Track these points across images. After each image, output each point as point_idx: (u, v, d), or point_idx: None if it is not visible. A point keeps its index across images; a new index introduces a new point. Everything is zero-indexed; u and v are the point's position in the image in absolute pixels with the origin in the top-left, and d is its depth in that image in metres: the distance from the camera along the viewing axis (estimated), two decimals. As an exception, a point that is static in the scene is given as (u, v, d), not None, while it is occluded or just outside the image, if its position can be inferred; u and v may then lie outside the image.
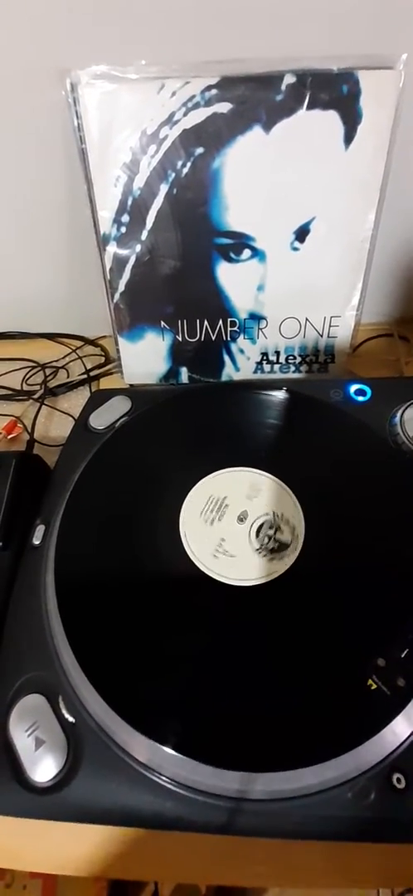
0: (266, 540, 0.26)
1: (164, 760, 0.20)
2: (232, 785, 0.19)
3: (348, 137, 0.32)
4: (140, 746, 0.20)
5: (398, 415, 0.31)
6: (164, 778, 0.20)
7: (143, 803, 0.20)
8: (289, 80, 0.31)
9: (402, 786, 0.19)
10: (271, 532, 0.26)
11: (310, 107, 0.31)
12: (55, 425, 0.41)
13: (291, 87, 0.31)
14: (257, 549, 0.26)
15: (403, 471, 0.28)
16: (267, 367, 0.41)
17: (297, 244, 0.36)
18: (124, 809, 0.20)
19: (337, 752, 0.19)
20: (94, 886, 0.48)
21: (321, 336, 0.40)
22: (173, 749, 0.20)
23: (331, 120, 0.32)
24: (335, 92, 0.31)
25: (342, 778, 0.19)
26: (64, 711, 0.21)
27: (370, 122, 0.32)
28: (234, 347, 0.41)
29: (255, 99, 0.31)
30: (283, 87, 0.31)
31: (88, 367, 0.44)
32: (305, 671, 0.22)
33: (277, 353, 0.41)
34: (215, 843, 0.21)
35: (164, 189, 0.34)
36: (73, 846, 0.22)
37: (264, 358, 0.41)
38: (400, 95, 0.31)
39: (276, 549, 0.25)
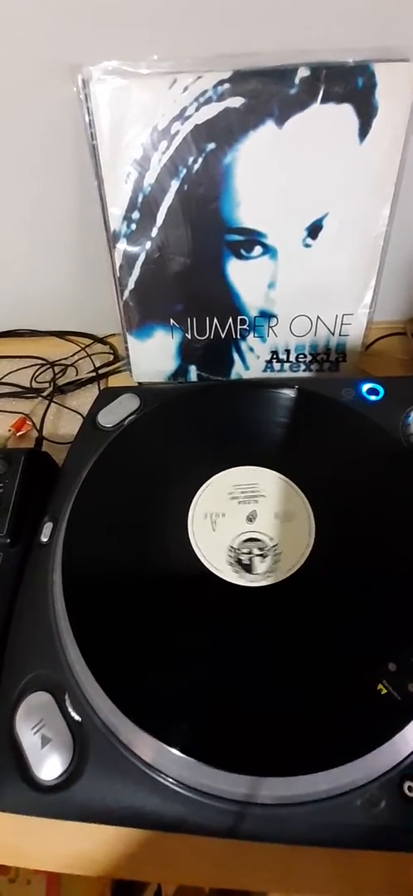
0: (245, 551, 0.25)
1: (169, 761, 0.20)
2: (238, 788, 0.19)
3: (363, 131, 0.32)
4: (146, 746, 0.20)
5: (412, 415, 0.30)
6: (169, 779, 0.20)
7: (149, 804, 0.20)
8: (302, 73, 0.30)
9: (413, 795, 0.18)
10: (256, 552, 0.25)
11: (324, 100, 0.31)
12: (64, 423, 0.41)
13: (305, 80, 0.30)
14: (229, 549, 0.25)
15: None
16: (277, 366, 0.41)
17: (309, 241, 0.35)
18: (129, 810, 0.20)
19: (345, 759, 0.18)
20: (97, 884, 0.48)
21: (333, 334, 0.39)
22: (179, 750, 0.20)
23: (345, 114, 0.31)
24: (350, 85, 0.30)
25: (351, 785, 0.19)
26: (70, 710, 0.21)
27: (386, 115, 0.31)
28: (243, 346, 0.40)
29: (268, 93, 0.31)
30: (297, 81, 0.31)
31: (97, 364, 0.44)
32: (314, 675, 0.21)
33: (288, 351, 0.40)
34: (220, 847, 0.21)
35: (174, 185, 0.34)
36: (77, 845, 0.22)
37: (274, 356, 0.41)
38: (416, 88, 0.30)
39: (243, 565, 0.25)
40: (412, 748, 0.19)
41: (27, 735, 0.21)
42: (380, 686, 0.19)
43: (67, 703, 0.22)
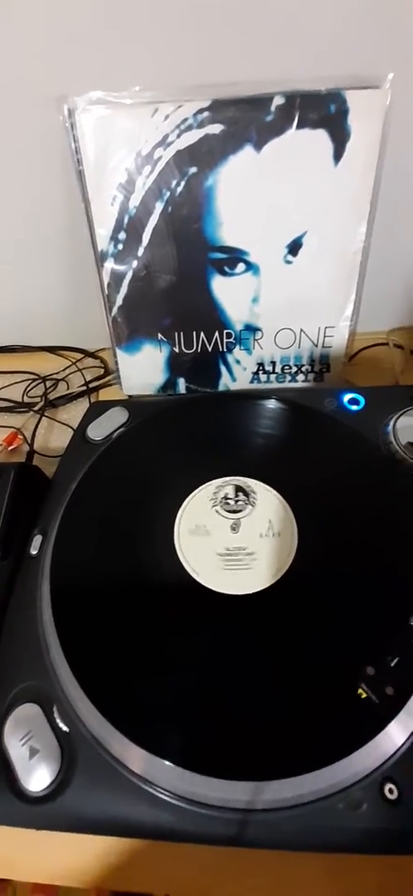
0: (232, 503, 0.26)
1: (156, 770, 0.20)
2: (224, 795, 0.19)
3: (337, 154, 0.33)
4: (133, 756, 0.21)
5: (391, 423, 0.31)
6: (156, 788, 0.20)
7: (136, 813, 0.20)
8: (278, 101, 0.32)
9: (394, 796, 0.19)
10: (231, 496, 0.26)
11: (299, 126, 0.32)
12: (55, 436, 0.41)
13: (281, 107, 0.32)
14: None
15: (395, 479, 0.28)
16: (263, 377, 0.42)
17: (290, 258, 0.37)
18: (117, 819, 0.20)
19: (326, 762, 0.19)
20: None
21: (316, 346, 0.40)
22: (165, 759, 0.20)
23: (320, 138, 0.33)
24: (323, 111, 0.32)
25: (333, 788, 0.19)
26: (58, 721, 0.22)
27: (358, 139, 0.33)
28: (230, 358, 0.41)
29: (246, 120, 0.32)
30: (273, 108, 0.32)
31: (88, 378, 0.45)
32: (295, 681, 0.22)
33: (273, 363, 0.41)
34: (210, 855, 0.21)
35: (159, 207, 0.35)
36: (68, 856, 0.22)
37: (260, 368, 0.42)
38: (387, 113, 0.32)
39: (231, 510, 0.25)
40: (393, 751, 0.20)
41: (15, 747, 0.21)
42: (360, 690, 0.19)
43: (55, 714, 0.22)
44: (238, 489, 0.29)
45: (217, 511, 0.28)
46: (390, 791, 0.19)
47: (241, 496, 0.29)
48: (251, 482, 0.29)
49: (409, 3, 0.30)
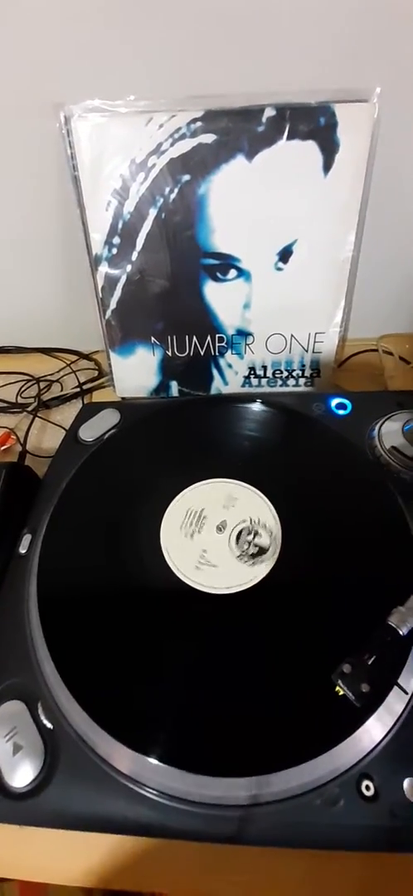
0: (246, 546, 0.26)
1: (138, 766, 0.20)
2: (203, 791, 0.20)
3: (327, 165, 0.34)
4: (116, 753, 0.21)
5: (376, 428, 0.31)
6: (138, 784, 0.20)
7: (118, 809, 0.20)
8: (269, 112, 0.33)
9: (370, 793, 0.19)
10: (250, 538, 0.26)
11: (290, 137, 0.33)
12: (48, 437, 0.42)
13: (272, 119, 0.33)
14: (238, 556, 0.26)
15: (378, 482, 0.29)
16: (255, 382, 0.43)
17: (280, 264, 0.37)
18: (100, 815, 0.20)
19: (302, 759, 0.19)
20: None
21: (306, 351, 0.41)
22: (147, 755, 0.20)
23: (310, 149, 0.33)
24: (313, 123, 0.33)
25: (310, 785, 0.19)
26: (43, 718, 0.22)
27: (347, 150, 0.33)
28: (222, 362, 0.42)
29: (238, 130, 0.33)
30: (264, 120, 0.33)
31: (82, 380, 0.45)
32: (273, 679, 0.22)
33: (264, 367, 0.42)
34: (192, 852, 0.21)
35: (152, 213, 0.36)
36: (49, 852, 0.22)
37: (252, 372, 0.42)
38: (375, 126, 0.33)
39: (256, 553, 0.26)
40: (370, 748, 0.20)
41: (-1, 743, 0.21)
42: (337, 688, 0.20)
43: (40, 711, 0.22)
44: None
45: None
46: (367, 788, 0.19)
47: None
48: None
49: (395, 21, 0.31)
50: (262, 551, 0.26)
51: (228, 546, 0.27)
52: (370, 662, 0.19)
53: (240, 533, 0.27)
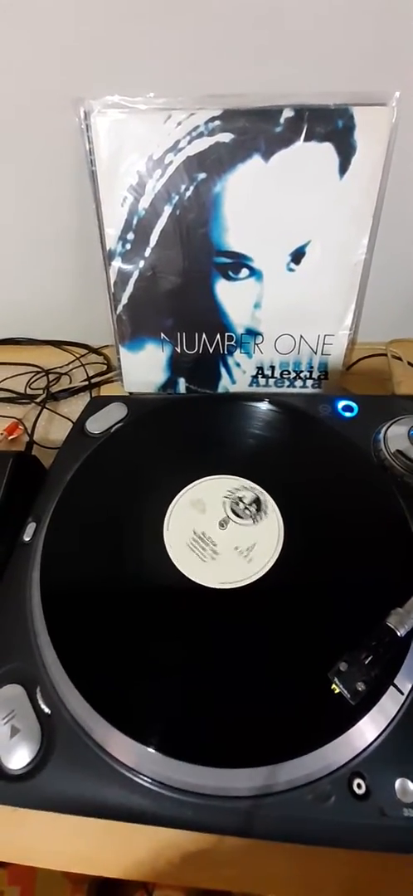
0: (244, 511, 0.26)
1: (132, 753, 0.21)
2: (198, 780, 0.20)
3: (343, 168, 0.34)
4: (111, 740, 0.21)
5: (382, 431, 0.31)
6: (131, 770, 0.21)
7: (111, 795, 0.21)
8: (287, 113, 0.33)
9: (361, 791, 0.19)
10: (242, 506, 0.27)
11: (307, 139, 0.33)
12: (55, 429, 0.42)
13: (290, 120, 0.33)
14: (242, 522, 0.26)
15: (381, 485, 0.29)
16: (262, 381, 0.43)
17: (292, 265, 0.37)
18: (93, 800, 0.21)
19: (296, 754, 0.19)
20: (72, 893, 0.48)
21: (315, 353, 0.41)
22: (142, 743, 0.21)
23: (326, 151, 0.33)
24: (331, 125, 0.33)
25: (303, 780, 0.19)
26: (41, 702, 0.22)
27: (364, 154, 0.33)
28: (230, 361, 0.42)
29: (256, 130, 0.33)
30: (282, 120, 0.33)
31: (91, 374, 0.46)
32: (270, 673, 0.22)
33: (272, 367, 0.42)
34: (183, 843, 0.22)
35: (167, 210, 0.36)
36: (43, 837, 0.23)
37: (260, 372, 0.42)
38: (392, 130, 0.33)
39: (256, 510, 0.26)
40: (364, 745, 0.20)
41: (-3, 725, 0.22)
42: (333, 685, 0.20)
43: (38, 695, 0.22)
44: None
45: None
46: (358, 786, 0.19)
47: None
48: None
49: (416, 27, 0.31)
50: (258, 504, 0.26)
51: (230, 532, 0.27)
52: (367, 662, 0.20)
53: (234, 510, 0.27)
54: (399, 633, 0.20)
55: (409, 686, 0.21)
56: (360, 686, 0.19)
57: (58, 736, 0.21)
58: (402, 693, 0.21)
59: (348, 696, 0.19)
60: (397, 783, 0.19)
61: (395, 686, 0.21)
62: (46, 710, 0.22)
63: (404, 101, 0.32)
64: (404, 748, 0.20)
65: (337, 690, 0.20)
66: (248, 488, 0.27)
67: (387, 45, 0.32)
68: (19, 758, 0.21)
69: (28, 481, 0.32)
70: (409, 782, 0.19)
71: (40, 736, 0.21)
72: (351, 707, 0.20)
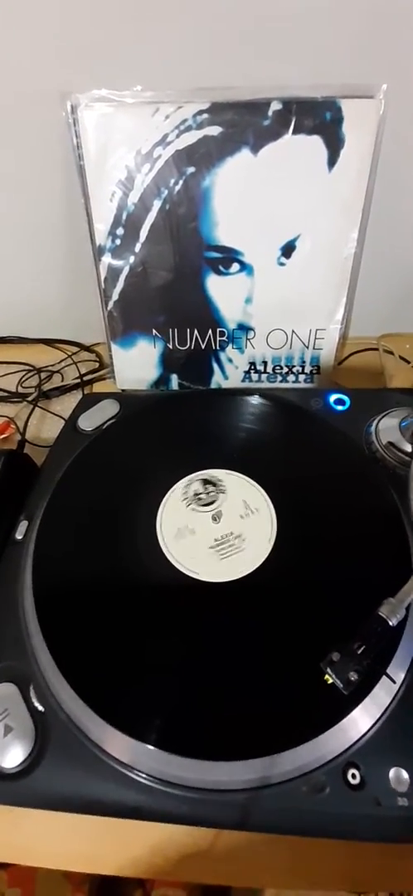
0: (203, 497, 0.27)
1: (127, 749, 0.21)
2: (193, 774, 0.20)
3: (331, 161, 0.34)
4: (105, 735, 0.21)
5: (373, 424, 0.32)
6: (126, 766, 0.20)
7: (106, 791, 0.20)
8: (275, 106, 0.33)
9: (356, 781, 0.19)
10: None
11: (295, 132, 0.33)
12: (47, 427, 0.42)
13: (278, 113, 0.33)
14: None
15: (373, 476, 0.29)
16: (255, 377, 0.43)
17: (283, 259, 0.37)
18: (88, 797, 0.21)
19: (290, 744, 0.19)
20: (72, 894, 0.48)
21: (307, 348, 0.41)
22: (136, 738, 0.20)
23: (315, 144, 0.33)
24: (319, 118, 0.33)
25: (298, 771, 0.19)
26: (34, 700, 0.22)
27: (352, 147, 0.33)
28: (222, 356, 0.42)
29: (244, 123, 0.33)
30: (270, 113, 0.33)
31: (83, 372, 0.46)
32: (264, 666, 0.22)
33: (265, 363, 0.42)
34: (179, 837, 0.22)
35: (157, 205, 0.36)
36: (40, 836, 0.22)
37: (252, 367, 0.42)
38: (380, 123, 0.33)
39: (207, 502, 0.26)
40: (358, 736, 0.20)
41: (-10, 724, 0.21)
42: (326, 676, 0.20)
43: (32, 693, 0.22)
44: (206, 482, 0.29)
45: (197, 503, 0.29)
46: (353, 776, 0.19)
47: (221, 487, 0.29)
48: (232, 474, 0.30)
49: (403, 18, 0.31)
50: (212, 483, 0.26)
51: (223, 525, 0.27)
52: (360, 652, 0.20)
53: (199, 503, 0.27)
54: (391, 623, 0.21)
55: (402, 675, 0.22)
56: (353, 676, 0.19)
57: (52, 733, 0.21)
58: (394, 682, 0.21)
59: (341, 685, 0.19)
60: (391, 772, 0.19)
61: (388, 675, 0.21)
62: (40, 707, 0.22)
63: (392, 94, 0.32)
64: (398, 737, 0.20)
65: (330, 681, 0.20)
66: (194, 478, 0.27)
67: (374, 37, 0.32)
68: (13, 756, 0.21)
69: (20, 480, 0.32)
70: (404, 771, 0.19)
71: (34, 733, 0.21)
72: (344, 697, 0.20)
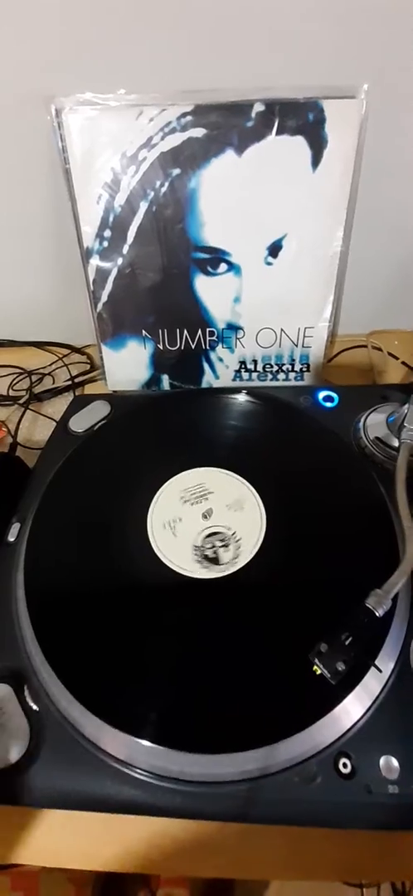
0: (209, 546, 0.27)
1: (121, 744, 0.21)
2: (186, 767, 0.20)
3: (315, 161, 0.34)
4: (99, 732, 0.21)
5: (362, 420, 0.32)
6: (121, 762, 0.21)
7: (102, 787, 0.21)
8: (258, 108, 0.33)
9: (347, 770, 0.20)
10: (218, 544, 0.27)
11: (279, 132, 0.34)
12: (39, 429, 0.42)
13: (261, 114, 0.33)
14: (195, 548, 0.26)
15: (362, 471, 0.29)
16: (245, 375, 0.43)
17: (270, 259, 0.38)
18: (82, 792, 0.21)
19: (282, 736, 0.20)
20: (75, 895, 0.48)
21: (296, 346, 0.41)
22: (129, 733, 0.21)
23: (298, 144, 0.34)
24: (302, 119, 0.33)
25: (291, 762, 0.20)
26: (28, 700, 0.22)
27: (335, 146, 0.34)
28: (213, 356, 0.42)
29: (228, 125, 0.34)
30: (254, 115, 0.33)
31: (74, 374, 0.46)
32: (255, 659, 0.22)
33: (255, 361, 0.42)
34: (177, 832, 0.22)
35: (143, 206, 0.36)
36: (38, 835, 0.22)
37: (242, 366, 0.43)
38: (363, 122, 0.33)
39: (211, 559, 0.26)
40: (348, 727, 0.20)
41: (-16, 724, 0.22)
42: (315, 667, 0.20)
43: (26, 693, 0.22)
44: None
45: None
46: (344, 765, 0.20)
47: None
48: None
49: (383, 19, 0.32)
50: (214, 562, 0.26)
51: (213, 522, 0.27)
52: (347, 643, 0.20)
53: (211, 535, 0.27)
54: (377, 614, 0.21)
55: (391, 666, 0.22)
56: (340, 666, 0.19)
57: (47, 732, 0.21)
58: (381, 672, 0.21)
59: (328, 675, 0.19)
60: (382, 761, 0.20)
61: (376, 666, 0.21)
62: (34, 706, 0.22)
63: (373, 93, 0.33)
64: (388, 726, 0.21)
65: (318, 672, 0.20)
66: (231, 544, 0.27)
67: (355, 38, 0.33)
68: (8, 755, 0.21)
69: (12, 482, 0.32)
70: (393, 759, 0.20)
71: (29, 732, 0.21)
72: (333, 687, 0.20)
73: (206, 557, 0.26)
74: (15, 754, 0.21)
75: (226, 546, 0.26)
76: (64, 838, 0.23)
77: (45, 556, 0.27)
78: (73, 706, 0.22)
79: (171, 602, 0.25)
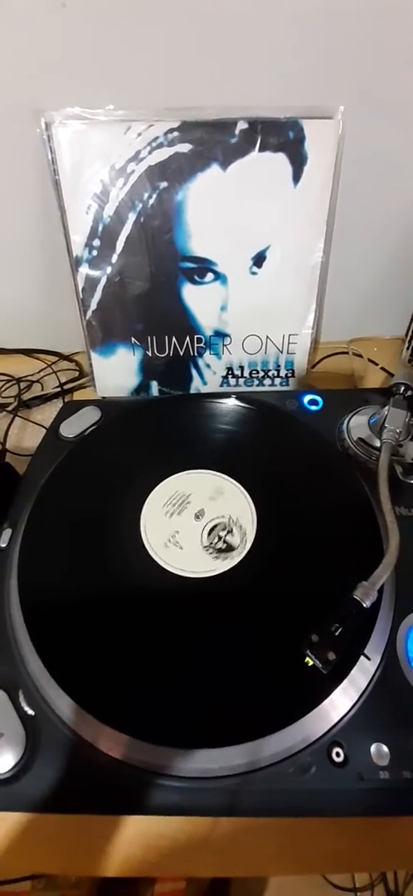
0: (216, 540, 0.27)
1: (117, 744, 0.21)
2: (182, 763, 0.20)
3: (296, 176, 0.36)
4: (95, 733, 0.21)
5: (345, 422, 0.33)
6: (117, 761, 0.21)
7: (98, 788, 0.21)
8: (242, 125, 0.35)
9: (340, 759, 0.20)
10: (223, 534, 0.27)
11: (261, 149, 0.35)
12: (28, 436, 0.42)
13: (244, 132, 0.35)
14: (206, 547, 0.27)
15: (346, 471, 0.31)
16: (232, 381, 0.44)
17: (255, 269, 0.39)
18: (82, 793, 0.21)
19: (276, 728, 0.20)
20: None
21: (281, 352, 0.43)
22: (125, 732, 0.21)
23: (280, 161, 0.36)
24: (283, 137, 0.35)
25: (285, 753, 0.20)
26: (24, 705, 0.22)
27: (315, 163, 0.36)
28: (200, 362, 0.43)
29: (213, 141, 0.35)
30: (237, 132, 0.35)
31: (63, 381, 0.46)
32: (248, 654, 0.23)
33: (241, 367, 0.43)
34: (174, 831, 0.22)
35: (132, 217, 0.37)
36: (29, 839, 0.22)
37: (230, 372, 0.44)
38: (340, 141, 0.35)
39: (223, 549, 0.27)
40: (340, 717, 0.21)
41: (-21, 731, 0.21)
42: (306, 658, 0.21)
43: (21, 698, 0.22)
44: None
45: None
46: (337, 754, 0.20)
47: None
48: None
49: (357, 45, 0.34)
50: (229, 549, 0.27)
51: (200, 536, 0.28)
52: (337, 633, 0.21)
53: (214, 528, 0.28)
54: (365, 605, 0.22)
55: (379, 655, 0.23)
56: (331, 655, 0.20)
57: (43, 736, 0.21)
58: (369, 659, 0.22)
59: (320, 665, 0.20)
60: (373, 748, 0.21)
61: (365, 655, 0.22)
62: (30, 711, 0.22)
63: (349, 114, 0.35)
64: (378, 714, 0.21)
65: (310, 663, 0.21)
66: (234, 528, 0.27)
67: (332, 63, 0.35)
68: (4, 762, 0.21)
69: (2, 488, 0.32)
70: (384, 746, 0.21)
71: (25, 738, 0.21)
72: (325, 678, 0.20)
73: (220, 550, 0.26)
74: (11, 760, 0.21)
75: (230, 531, 0.27)
76: (59, 844, 0.22)
77: (38, 560, 0.27)
78: (69, 707, 0.22)
79: (164, 601, 0.25)
